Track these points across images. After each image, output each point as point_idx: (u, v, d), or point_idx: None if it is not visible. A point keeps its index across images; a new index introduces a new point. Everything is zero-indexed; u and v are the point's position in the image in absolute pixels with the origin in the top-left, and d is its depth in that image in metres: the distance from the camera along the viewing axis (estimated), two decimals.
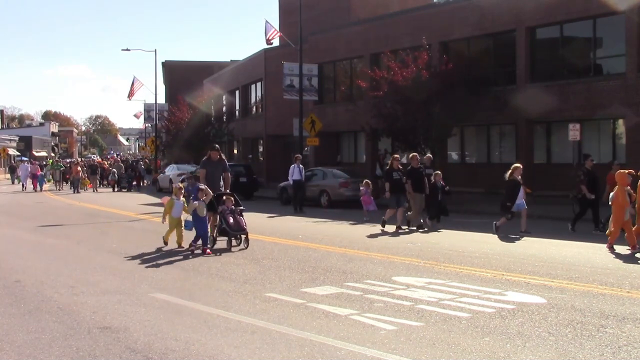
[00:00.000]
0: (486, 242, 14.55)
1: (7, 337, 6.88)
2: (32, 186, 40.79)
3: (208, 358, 6.12)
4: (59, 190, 40.25)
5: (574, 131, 22.17)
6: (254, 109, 46.34)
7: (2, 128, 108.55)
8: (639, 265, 11.13)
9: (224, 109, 50.46)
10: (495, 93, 26.30)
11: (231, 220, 13.24)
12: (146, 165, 50.90)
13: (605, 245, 12.98)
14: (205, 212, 13.14)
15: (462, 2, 28.87)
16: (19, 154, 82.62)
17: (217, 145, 15.63)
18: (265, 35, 32.34)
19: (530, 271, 10.49)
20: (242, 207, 13.92)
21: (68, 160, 60.61)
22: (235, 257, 12.35)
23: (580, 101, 24.47)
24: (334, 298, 8.65)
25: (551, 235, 15.51)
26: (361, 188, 20.96)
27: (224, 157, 15.50)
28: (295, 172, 24.09)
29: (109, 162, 51.11)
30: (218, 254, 12.59)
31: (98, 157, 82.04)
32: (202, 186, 13.55)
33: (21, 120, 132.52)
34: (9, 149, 76.14)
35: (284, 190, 28.35)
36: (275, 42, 33.86)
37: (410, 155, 18.31)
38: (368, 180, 21.58)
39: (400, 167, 17.72)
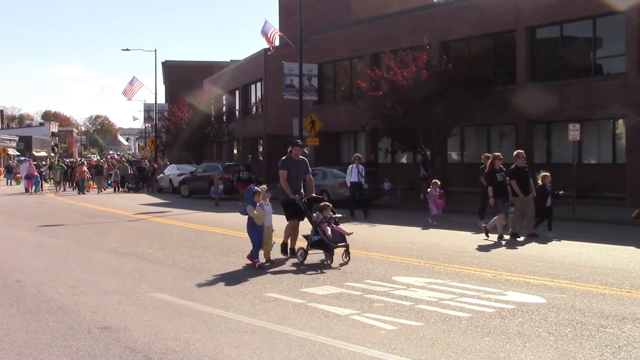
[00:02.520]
0: (486, 242, 14.54)
1: (7, 337, 6.88)
2: (33, 187, 38.15)
3: (208, 358, 6.12)
4: (62, 191, 38.90)
5: (574, 131, 22.18)
6: (254, 109, 46.37)
7: (2, 128, 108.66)
8: (639, 265, 11.13)
9: (224, 109, 50.48)
10: (495, 93, 26.34)
11: (329, 230, 11.49)
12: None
13: None
14: (263, 220, 11.42)
15: (462, 2, 28.88)
16: (18, 153, 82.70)
17: (299, 141, 13.10)
18: (266, 35, 31.62)
19: (530, 271, 10.48)
20: (339, 215, 12.22)
21: (68, 160, 59.39)
22: (236, 257, 12.35)
23: (580, 101, 24.49)
24: (334, 298, 8.65)
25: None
26: (429, 189, 19.07)
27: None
28: (353, 173, 21.19)
29: (108, 162, 50.64)
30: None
31: (96, 158, 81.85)
32: (259, 188, 11.79)
33: (21, 120, 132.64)
34: (9, 149, 76.21)
35: None
36: (275, 42, 33.77)
37: (516, 153, 15.93)
38: (437, 181, 19.46)
39: (502, 167, 15.46)
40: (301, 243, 12.16)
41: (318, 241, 11.50)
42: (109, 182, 41.74)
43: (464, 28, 28.37)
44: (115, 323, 7.37)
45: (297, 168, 12.39)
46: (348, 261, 11.32)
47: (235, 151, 51.14)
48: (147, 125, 66.63)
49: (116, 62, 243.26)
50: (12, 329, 7.20)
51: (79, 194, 35.81)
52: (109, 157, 71.52)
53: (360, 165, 21.58)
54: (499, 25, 27.28)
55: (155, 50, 47.82)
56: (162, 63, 72.96)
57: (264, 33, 30.99)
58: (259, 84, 44.01)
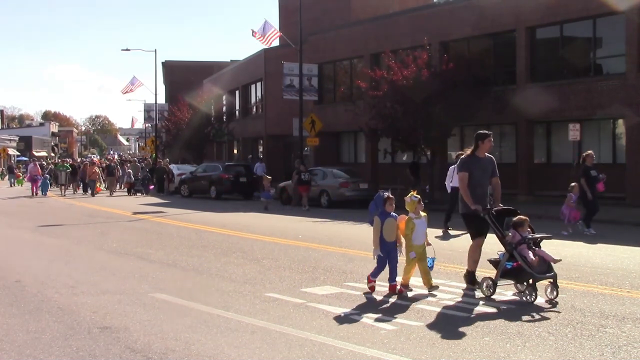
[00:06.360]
0: (486, 242, 14.49)
1: (7, 337, 6.88)
2: (39, 190, 35.22)
3: (208, 358, 6.12)
4: (72, 193, 36.47)
5: (574, 131, 22.18)
6: (254, 109, 46.35)
7: (2, 128, 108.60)
8: (639, 265, 11.13)
9: (224, 109, 50.47)
10: (495, 93, 26.31)
11: (531, 255, 8.51)
12: (148, 165, 50.00)
13: None
14: (394, 236, 9.14)
15: (462, 2, 28.87)
16: (19, 153, 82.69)
17: (488, 132, 9.57)
18: (264, 33, 31.33)
19: None
20: (543, 235, 9.06)
21: (79, 159, 56.60)
22: (236, 257, 12.35)
23: (580, 101, 24.48)
24: (334, 298, 8.65)
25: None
26: (569, 194, 16.06)
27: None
28: (455, 176, 15.19)
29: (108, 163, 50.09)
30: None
31: (96, 157, 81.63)
32: (389, 194, 9.26)
33: (21, 120, 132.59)
34: (9, 149, 76.17)
35: (283, 190, 28.45)
36: (275, 43, 33.78)
37: None
38: (576, 184, 16.19)
39: None
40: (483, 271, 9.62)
41: (512, 269, 8.60)
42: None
43: (464, 28, 28.34)
44: (115, 323, 7.37)
45: (482, 169, 9.32)
46: (556, 297, 8.25)
47: (235, 151, 51.12)
48: (147, 125, 66.58)
49: (116, 62, 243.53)
50: (12, 329, 7.20)
51: (91, 195, 34.05)
52: (109, 157, 71.39)
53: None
54: (499, 25, 27.26)
55: (155, 50, 47.76)
56: (162, 63, 72.90)
57: (262, 33, 30.88)
58: (259, 84, 43.99)
